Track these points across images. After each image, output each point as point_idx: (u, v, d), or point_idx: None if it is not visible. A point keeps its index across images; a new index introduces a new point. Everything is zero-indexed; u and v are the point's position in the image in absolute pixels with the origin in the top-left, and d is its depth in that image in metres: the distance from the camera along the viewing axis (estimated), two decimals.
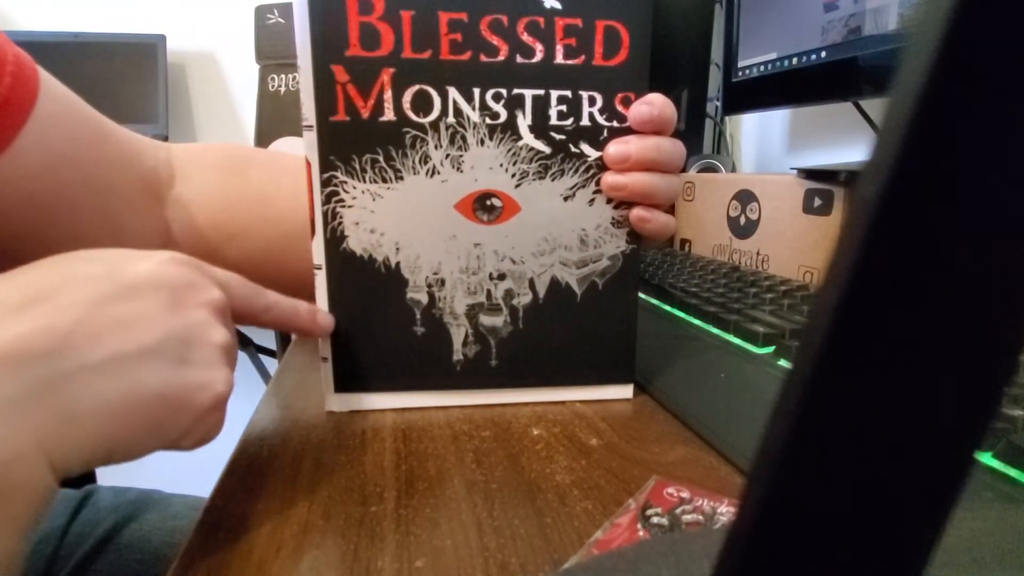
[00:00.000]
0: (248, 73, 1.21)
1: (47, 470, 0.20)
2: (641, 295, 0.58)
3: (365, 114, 0.33)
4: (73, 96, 0.36)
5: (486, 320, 0.36)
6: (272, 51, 1.13)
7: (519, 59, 0.33)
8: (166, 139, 1.21)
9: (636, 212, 0.35)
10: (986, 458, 0.26)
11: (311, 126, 0.33)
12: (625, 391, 0.38)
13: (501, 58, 0.33)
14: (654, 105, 0.34)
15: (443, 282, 0.35)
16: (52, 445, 0.20)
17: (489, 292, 0.36)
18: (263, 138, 1.11)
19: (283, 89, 1.13)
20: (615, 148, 0.34)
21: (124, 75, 1.21)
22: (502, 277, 0.35)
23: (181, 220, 0.41)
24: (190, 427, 0.24)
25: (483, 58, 0.33)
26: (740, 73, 0.75)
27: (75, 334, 0.21)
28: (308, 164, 0.33)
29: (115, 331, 0.22)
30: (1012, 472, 0.25)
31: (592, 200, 0.35)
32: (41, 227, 0.35)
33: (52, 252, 0.36)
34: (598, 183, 0.35)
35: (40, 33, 1.21)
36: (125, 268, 0.23)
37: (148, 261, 0.24)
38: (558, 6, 0.33)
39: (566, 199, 0.35)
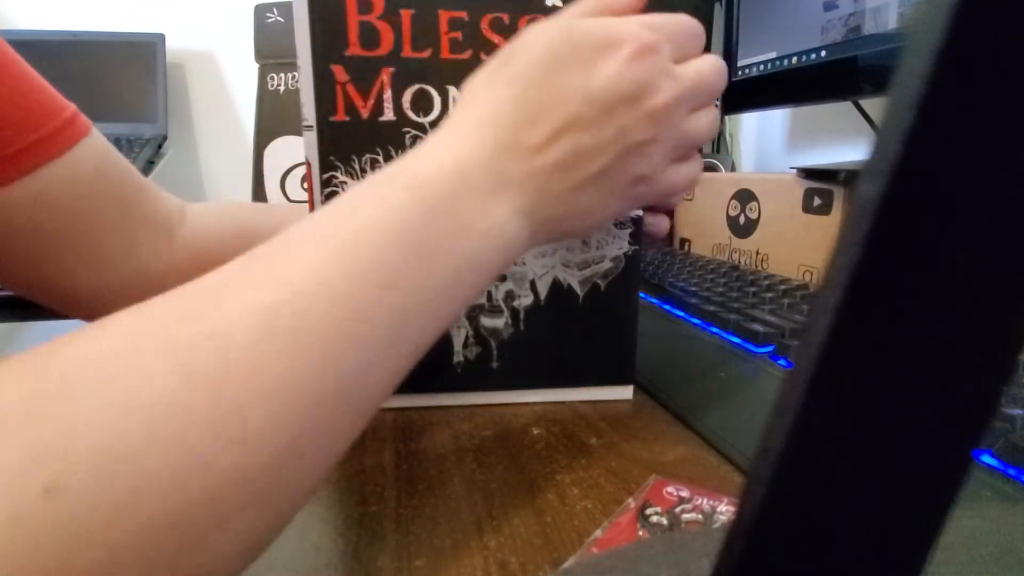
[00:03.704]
0: (247, 72, 1.21)
1: (527, 235, 0.24)
2: (641, 295, 0.58)
3: (365, 114, 0.33)
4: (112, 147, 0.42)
5: (487, 322, 0.36)
6: (271, 50, 1.13)
7: None
8: (165, 138, 1.21)
9: (647, 216, 0.36)
10: (985, 457, 0.26)
11: (311, 126, 0.33)
12: (625, 392, 0.38)
13: None
14: None
15: None
16: (532, 220, 0.24)
17: (490, 293, 0.35)
18: (263, 137, 1.11)
19: (283, 88, 1.13)
20: None
21: (123, 74, 1.21)
22: (503, 278, 0.35)
23: (185, 255, 0.44)
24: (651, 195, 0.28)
25: (484, 57, 0.33)
26: (740, 72, 0.75)
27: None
28: (308, 164, 0.33)
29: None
30: (1011, 471, 0.25)
31: None
32: (70, 234, 0.39)
33: (71, 263, 0.41)
34: None
35: (39, 32, 1.21)
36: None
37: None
38: (559, 3, 0.33)
39: None
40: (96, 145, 0.39)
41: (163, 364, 0.15)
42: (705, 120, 0.28)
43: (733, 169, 0.91)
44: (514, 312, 0.36)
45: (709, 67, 0.28)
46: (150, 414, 0.15)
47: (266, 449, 0.16)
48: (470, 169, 0.23)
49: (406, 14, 0.32)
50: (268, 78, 1.14)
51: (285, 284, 0.18)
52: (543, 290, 0.36)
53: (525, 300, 0.36)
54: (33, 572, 0.12)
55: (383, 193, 0.21)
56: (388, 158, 0.33)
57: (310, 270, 0.19)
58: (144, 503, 0.14)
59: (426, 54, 0.32)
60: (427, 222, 0.21)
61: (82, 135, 0.38)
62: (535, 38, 0.25)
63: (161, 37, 1.24)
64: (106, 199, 0.40)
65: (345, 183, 0.33)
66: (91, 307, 0.41)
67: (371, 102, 0.33)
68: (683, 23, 0.27)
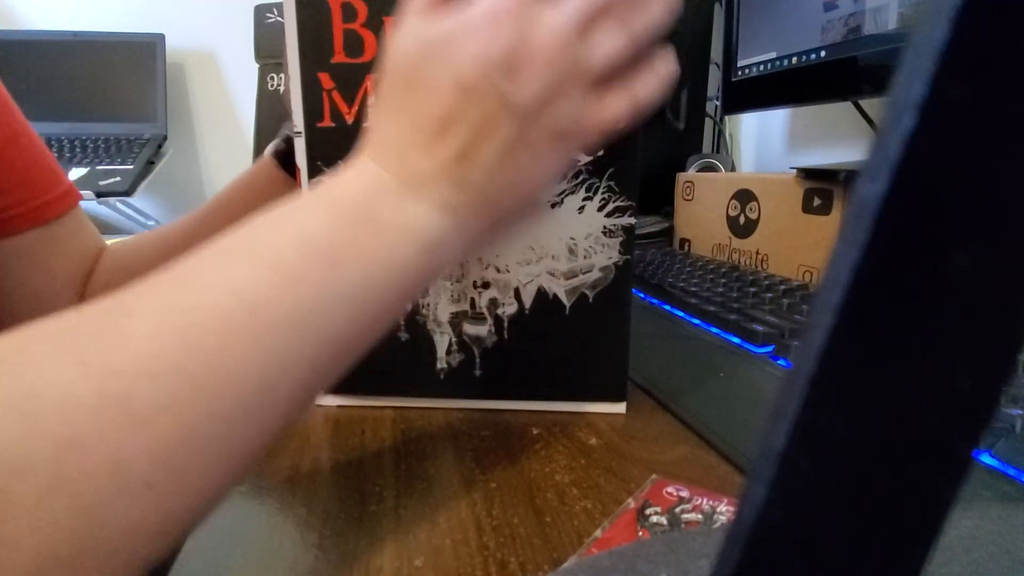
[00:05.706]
0: (247, 72, 1.21)
1: (454, 227, 0.24)
2: (641, 295, 0.58)
3: (349, 119, 0.33)
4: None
5: (470, 329, 0.35)
6: (271, 50, 1.13)
7: None
8: (165, 138, 1.21)
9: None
10: (985, 457, 0.26)
11: (300, 132, 0.33)
12: (617, 408, 0.36)
13: None
14: None
15: (426, 288, 0.35)
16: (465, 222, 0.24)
17: (473, 300, 0.35)
18: (262, 136, 1.11)
19: (282, 88, 1.13)
20: None
21: (123, 74, 1.21)
22: (486, 286, 0.35)
23: (99, 290, 0.50)
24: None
25: None
26: (740, 72, 0.75)
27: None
28: (298, 170, 0.34)
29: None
30: (1011, 471, 0.25)
31: (582, 208, 0.34)
32: (19, 285, 0.44)
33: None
34: (588, 189, 0.34)
35: (39, 32, 1.21)
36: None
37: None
38: None
39: (553, 205, 0.34)
40: (78, 216, 0.46)
41: (62, 358, 0.17)
42: (605, 39, 0.24)
43: (733, 169, 0.91)
44: (498, 320, 0.35)
45: None
46: (40, 399, 0.16)
47: (147, 434, 0.17)
48: (377, 175, 0.23)
49: (388, 21, 0.32)
50: (268, 78, 1.14)
51: (185, 287, 0.20)
52: (527, 299, 0.35)
53: (509, 308, 0.35)
54: None
55: (293, 211, 0.23)
56: None
57: (208, 271, 0.20)
58: (35, 468, 0.15)
59: None
60: (336, 226, 0.22)
61: (70, 207, 0.45)
62: (395, 54, 0.25)
63: (161, 37, 1.24)
64: (66, 260, 0.46)
65: None
66: None
67: (355, 108, 0.33)
68: None
